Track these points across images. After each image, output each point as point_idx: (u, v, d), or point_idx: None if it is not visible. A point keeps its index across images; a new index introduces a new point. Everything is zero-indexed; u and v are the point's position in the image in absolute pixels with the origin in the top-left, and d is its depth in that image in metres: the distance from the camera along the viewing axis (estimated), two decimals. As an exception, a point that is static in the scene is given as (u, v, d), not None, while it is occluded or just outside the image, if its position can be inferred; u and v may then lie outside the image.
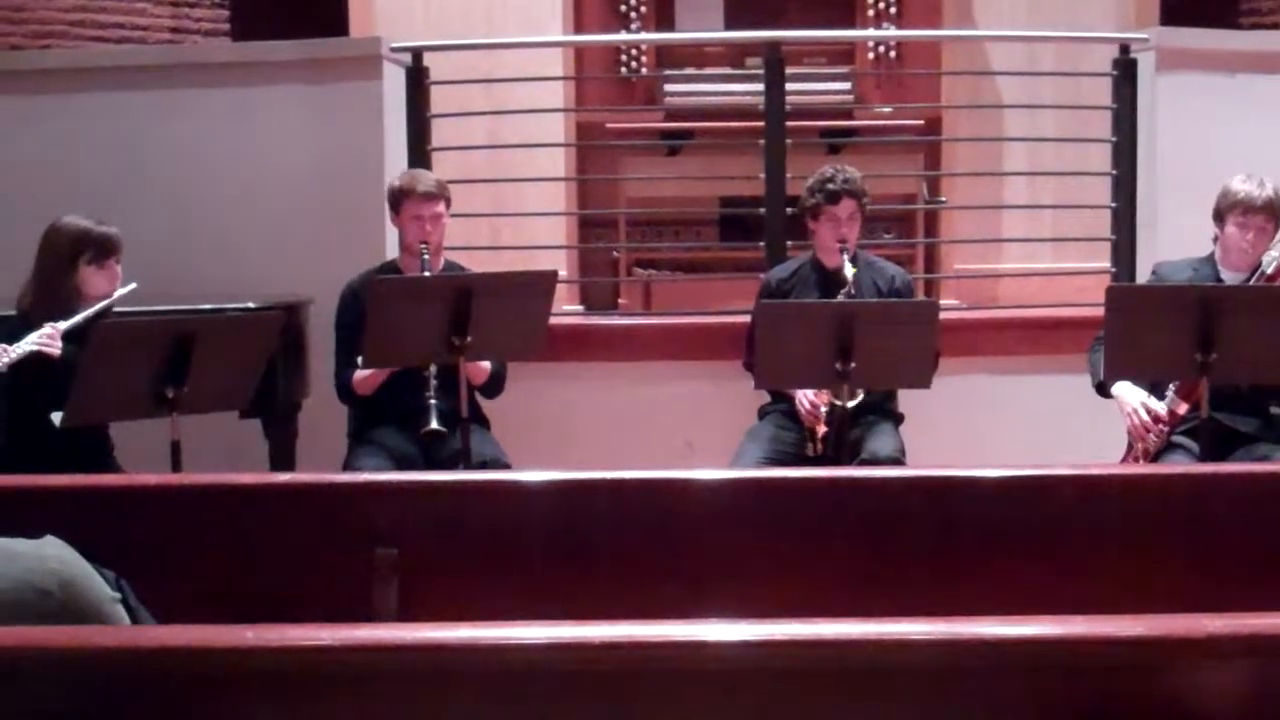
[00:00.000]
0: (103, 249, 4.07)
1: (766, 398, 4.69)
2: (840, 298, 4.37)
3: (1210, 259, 4.34)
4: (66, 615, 2.11)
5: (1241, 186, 4.20)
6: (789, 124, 5.35)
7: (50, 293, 4.05)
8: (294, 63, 5.24)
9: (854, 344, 4.06)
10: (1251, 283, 4.16)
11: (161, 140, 5.21)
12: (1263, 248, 4.18)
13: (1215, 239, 4.30)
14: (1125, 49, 5.36)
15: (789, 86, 5.38)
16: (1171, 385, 4.22)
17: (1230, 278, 4.25)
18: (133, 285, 4.09)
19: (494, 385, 4.54)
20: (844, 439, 4.27)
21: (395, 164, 5.13)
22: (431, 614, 2.60)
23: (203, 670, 2.06)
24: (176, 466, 3.89)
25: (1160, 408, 4.21)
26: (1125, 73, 5.33)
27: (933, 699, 2.08)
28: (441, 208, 4.48)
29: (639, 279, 6.26)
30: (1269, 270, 4.14)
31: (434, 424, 4.21)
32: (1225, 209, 4.23)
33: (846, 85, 6.41)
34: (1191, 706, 2.05)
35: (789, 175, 5.25)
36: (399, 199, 4.49)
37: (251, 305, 4.58)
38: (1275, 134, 4.97)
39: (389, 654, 2.06)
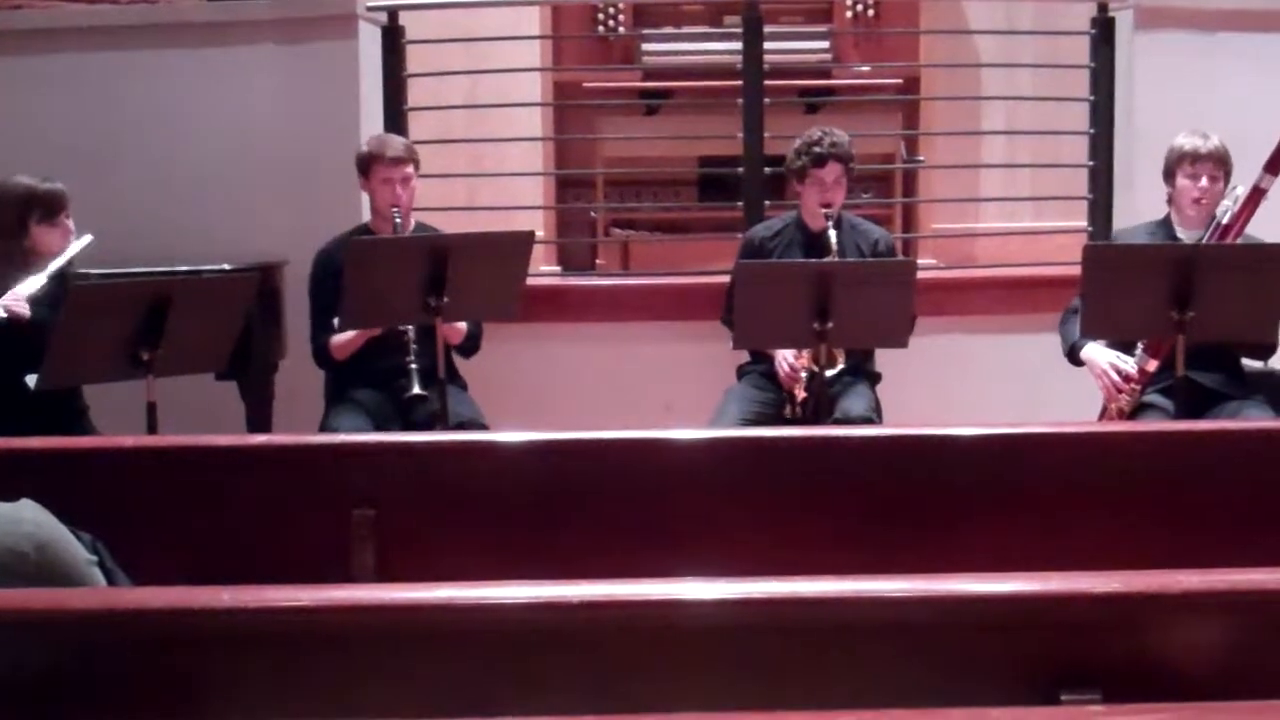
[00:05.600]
0: (50, 206, 4.05)
1: (745, 357, 4.69)
2: (825, 262, 4.38)
3: (1166, 221, 4.36)
4: (43, 578, 2.11)
5: (1186, 140, 4.26)
6: (767, 83, 5.33)
7: (4, 255, 4.03)
8: (268, 22, 5.19)
9: (832, 304, 4.06)
10: (1208, 238, 4.18)
11: (135, 101, 5.16)
12: (1215, 198, 4.21)
13: (1169, 199, 4.33)
14: (1103, 7, 5.34)
15: (767, 45, 5.36)
16: (1140, 344, 4.24)
17: (1186, 235, 4.28)
18: (88, 238, 4.07)
19: (470, 345, 4.54)
20: (823, 406, 4.28)
21: (371, 124, 5.09)
22: (409, 575, 2.60)
23: (179, 632, 2.06)
24: (152, 428, 3.88)
25: (1130, 367, 4.23)
26: (1103, 31, 5.32)
27: (909, 656, 2.09)
28: (411, 170, 4.47)
29: (617, 239, 6.24)
30: (1224, 220, 4.16)
31: (416, 389, 4.22)
32: (1173, 163, 4.28)
33: (824, 44, 6.37)
34: (1167, 662, 2.07)
35: (767, 135, 5.23)
36: (368, 164, 4.47)
37: (227, 267, 4.55)
38: (1251, 92, 4.97)
39: (367, 614, 2.07)
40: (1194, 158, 4.21)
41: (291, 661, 2.07)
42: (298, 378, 4.72)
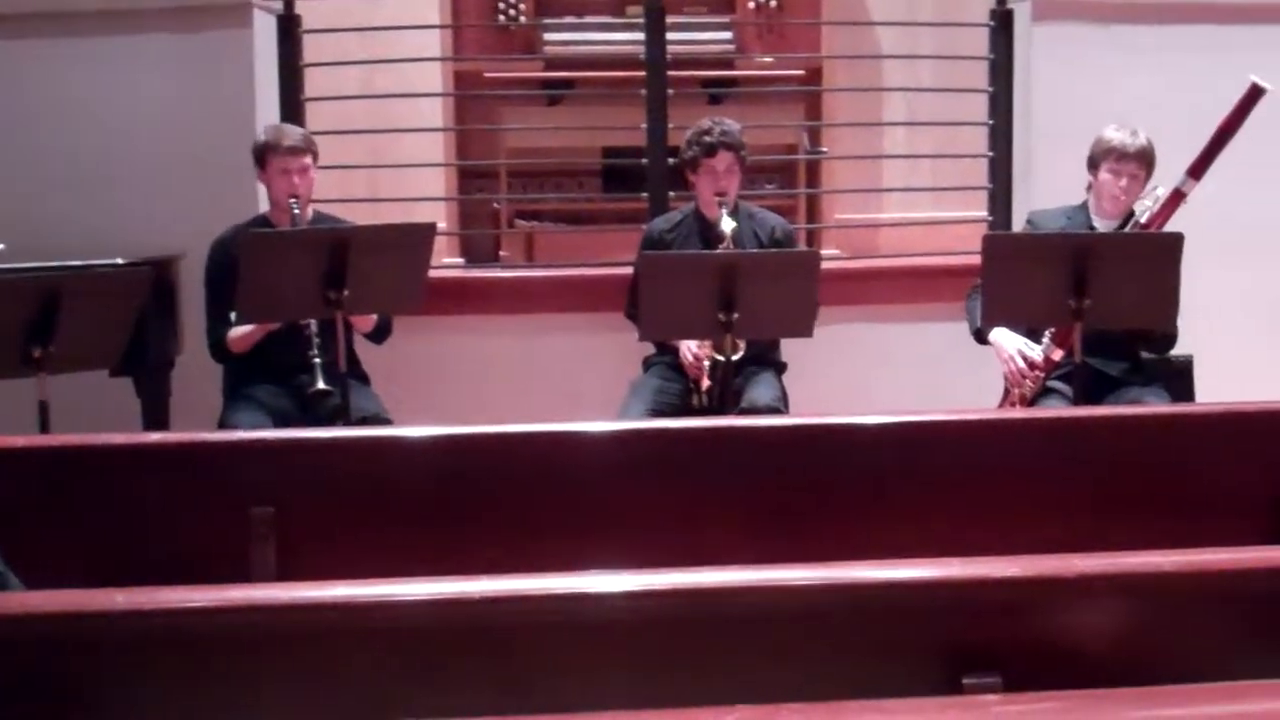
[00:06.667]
0: None
1: (651, 349, 4.69)
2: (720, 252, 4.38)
3: (1083, 207, 4.43)
4: (-74, 583, 2.04)
5: (1115, 135, 4.30)
6: (670, 74, 5.33)
7: None
8: (161, 10, 5.07)
9: (736, 294, 4.07)
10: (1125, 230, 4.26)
11: (23, 91, 5.02)
12: (1135, 195, 4.28)
13: (1089, 187, 4.39)
14: (1001, 0, 5.42)
15: (670, 36, 5.35)
16: (1047, 332, 4.31)
17: (1102, 225, 4.35)
18: (1, 246, 3.97)
19: (381, 332, 4.51)
20: (728, 392, 4.29)
21: (267, 115, 5.01)
22: (310, 573, 2.56)
23: (73, 636, 2.01)
24: (45, 427, 3.79)
25: (1036, 354, 4.30)
26: (1002, 23, 5.40)
27: (815, 643, 2.10)
28: (309, 161, 4.41)
29: (520, 230, 6.21)
30: (1143, 220, 4.23)
31: (320, 384, 4.17)
32: (1099, 156, 4.32)
33: (727, 35, 6.40)
34: (1068, 645, 2.10)
35: (671, 126, 5.23)
36: (264, 154, 4.41)
37: (119, 261, 4.45)
38: (1146, 83, 5.07)
39: (266, 615, 2.03)
40: (1120, 155, 4.26)
41: (190, 664, 2.03)
42: (195, 374, 4.63)
